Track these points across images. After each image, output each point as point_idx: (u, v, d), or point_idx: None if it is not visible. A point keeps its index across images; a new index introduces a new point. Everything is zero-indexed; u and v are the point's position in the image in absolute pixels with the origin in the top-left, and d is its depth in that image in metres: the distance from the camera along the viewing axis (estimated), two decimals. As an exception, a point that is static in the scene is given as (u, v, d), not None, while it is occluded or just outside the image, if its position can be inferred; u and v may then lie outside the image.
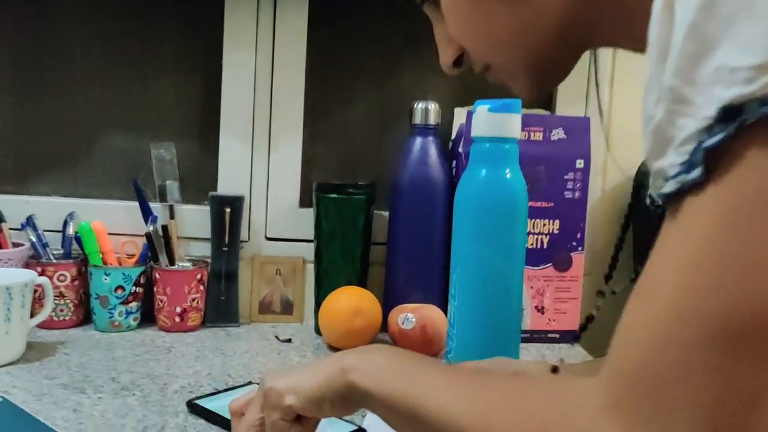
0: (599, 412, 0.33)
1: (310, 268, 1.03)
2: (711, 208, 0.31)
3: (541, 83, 0.55)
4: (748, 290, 0.30)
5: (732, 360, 0.30)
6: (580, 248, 1.00)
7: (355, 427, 0.65)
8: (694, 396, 0.30)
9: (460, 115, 1.04)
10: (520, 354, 0.85)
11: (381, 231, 1.04)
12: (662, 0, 0.33)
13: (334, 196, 0.96)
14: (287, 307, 1.05)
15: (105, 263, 0.97)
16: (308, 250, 1.03)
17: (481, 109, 0.78)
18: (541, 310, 1.00)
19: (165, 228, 1.00)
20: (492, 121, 0.77)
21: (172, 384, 0.77)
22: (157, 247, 0.98)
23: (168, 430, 0.65)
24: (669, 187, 0.33)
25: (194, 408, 0.69)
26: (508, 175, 0.78)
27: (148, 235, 0.97)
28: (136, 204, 1.00)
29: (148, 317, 1.00)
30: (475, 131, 0.79)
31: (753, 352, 0.30)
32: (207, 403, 0.69)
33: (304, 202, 1.05)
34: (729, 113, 0.30)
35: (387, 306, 0.96)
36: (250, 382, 0.78)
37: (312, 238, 1.00)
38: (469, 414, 0.40)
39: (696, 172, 0.31)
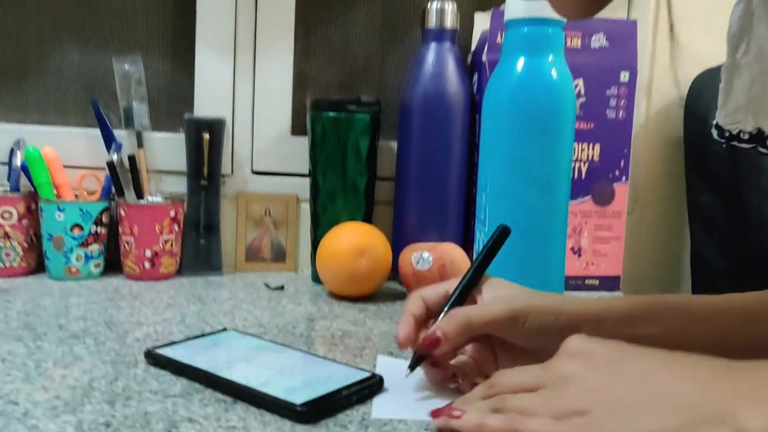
0: None
1: (306, 207, 0.87)
2: None
3: None
4: None
5: None
6: (624, 178, 0.85)
7: (368, 374, 0.50)
8: None
9: (482, 21, 0.88)
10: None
11: (388, 164, 0.89)
12: None
13: (333, 114, 0.80)
14: (279, 254, 0.90)
15: (59, 197, 0.81)
16: (303, 187, 0.87)
17: (516, -11, 0.62)
18: (577, 252, 0.85)
19: (132, 159, 0.84)
20: (529, 2, 0.62)
21: (134, 332, 0.62)
22: (122, 179, 0.82)
23: (122, 383, 0.50)
24: None
25: (155, 358, 0.53)
26: (552, 68, 0.63)
27: (110, 165, 0.81)
28: (97, 131, 0.84)
29: (113, 266, 0.85)
30: (510, 13, 0.63)
31: None
32: (172, 352, 0.54)
33: (297, 129, 0.90)
34: None
35: (396, 249, 0.81)
36: (224, 328, 0.62)
37: (307, 171, 0.84)
38: None
39: None
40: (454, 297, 0.51)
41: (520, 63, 0.63)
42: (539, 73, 0.63)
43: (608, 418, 0.34)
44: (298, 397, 0.45)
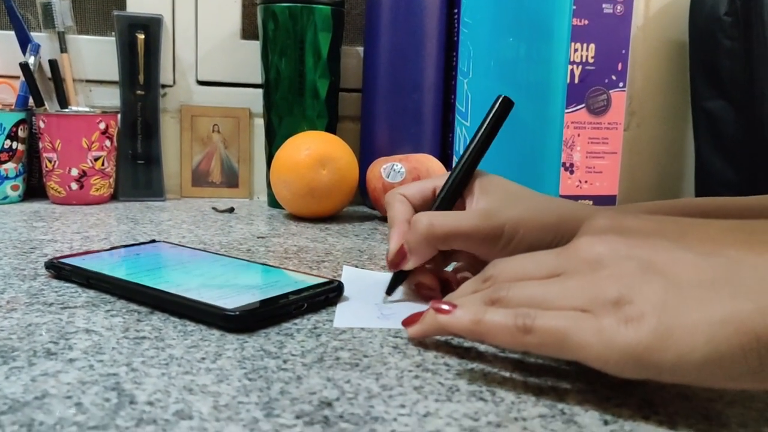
0: None
1: (260, 123, 0.76)
2: None
3: None
4: None
5: None
6: (621, 84, 0.75)
7: (325, 279, 0.40)
8: None
9: None
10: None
11: (355, 74, 0.78)
12: None
13: (287, 6, 0.69)
14: (231, 178, 0.79)
15: (-35, 108, 0.69)
16: (256, 99, 0.76)
17: None
18: (569, 168, 0.75)
19: (53, 64, 0.72)
20: None
21: (43, 249, 0.50)
22: (42, 88, 0.70)
23: (7, 295, 0.39)
24: None
25: (58, 269, 0.42)
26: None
27: (25, 68, 0.69)
28: (10, 33, 0.72)
29: (37, 192, 0.73)
30: None
31: None
32: (80, 262, 0.43)
33: (248, 32, 0.78)
34: None
35: (365, 167, 0.71)
36: (153, 240, 0.52)
37: (260, 80, 0.73)
38: None
39: None
40: (440, 196, 0.40)
41: None
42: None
43: (660, 307, 0.24)
44: (232, 303, 0.35)
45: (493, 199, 0.39)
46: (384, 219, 0.68)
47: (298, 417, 0.25)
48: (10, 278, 0.42)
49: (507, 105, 0.41)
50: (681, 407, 0.27)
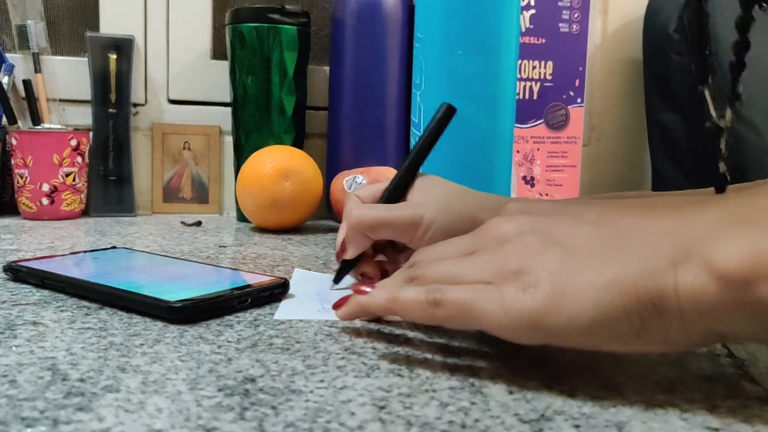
0: None
1: (230, 141, 0.78)
2: None
3: None
4: None
5: None
6: (579, 100, 0.77)
7: (270, 277, 0.41)
8: None
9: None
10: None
11: (321, 92, 0.80)
12: None
13: (254, 26, 0.71)
14: (201, 194, 0.81)
15: (-61, 126, 0.71)
16: (226, 117, 0.78)
17: None
18: (530, 182, 0.78)
19: (27, 84, 0.74)
20: None
21: (6, 257, 0.52)
22: (15, 107, 0.72)
23: (-35, 295, 0.40)
24: None
25: (15, 272, 0.44)
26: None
27: (-1, 88, 0.71)
28: (-13, 53, 0.74)
29: (9, 208, 0.74)
30: None
31: None
32: (37, 264, 0.44)
33: (218, 53, 0.80)
34: None
35: (331, 179, 0.73)
36: (113, 246, 0.53)
37: (230, 97, 0.75)
38: None
39: None
40: (384, 196, 0.43)
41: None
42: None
43: (555, 274, 0.26)
44: (176, 297, 0.36)
45: (425, 195, 0.41)
46: (348, 231, 0.69)
47: (220, 390, 0.27)
48: (-32, 280, 0.44)
49: (450, 112, 0.44)
50: (584, 378, 0.29)
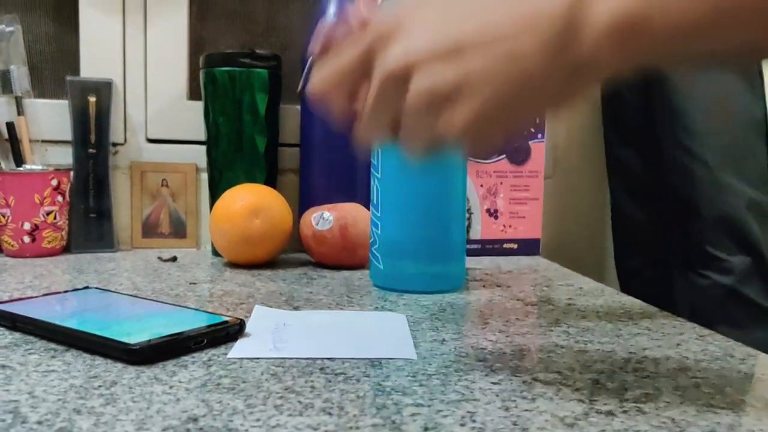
0: None
1: (205, 177, 0.82)
2: None
3: None
4: None
5: None
6: (540, 135, 0.81)
7: (227, 318, 0.44)
8: None
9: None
10: (467, 268, 0.65)
11: (292, 130, 0.84)
12: None
13: (226, 69, 0.75)
14: (179, 229, 0.84)
15: (-75, 168, 0.74)
16: (202, 155, 0.81)
17: None
18: (494, 214, 0.81)
19: (11, 126, 0.77)
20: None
21: (-15, 297, 0.55)
22: (-1, 148, 0.76)
23: (-58, 338, 0.43)
24: None
25: (-7, 312, 0.47)
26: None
27: (-18, 131, 0.74)
28: (-28, 97, 0.77)
29: (-8, 244, 0.77)
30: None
31: None
32: (10, 307, 0.47)
33: (194, 94, 0.84)
34: None
35: (302, 213, 0.76)
36: (86, 287, 0.56)
37: (204, 135, 0.79)
38: None
39: None
40: None
41: None
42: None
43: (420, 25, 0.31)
44: (135, 339, 0.39)
45: None
46: (314, 264, 0.73)
47: (164, 430, 0.30)
48: (-54, 323, 0.47)
49: None
50: (498, 417, 0.32)
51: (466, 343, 0.44)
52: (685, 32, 0.27)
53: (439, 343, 0.44)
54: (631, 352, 0.43)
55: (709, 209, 0.74)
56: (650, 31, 0.27)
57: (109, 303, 0.50)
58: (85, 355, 0.40)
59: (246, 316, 0.50)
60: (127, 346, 0.38)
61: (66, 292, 0.54)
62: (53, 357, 0.40)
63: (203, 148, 0.81)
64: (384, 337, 0.45)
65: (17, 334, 0.44)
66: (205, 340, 0.41)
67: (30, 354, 0.40)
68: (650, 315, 0.53)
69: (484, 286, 0.63)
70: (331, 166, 0.79)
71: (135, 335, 0.40)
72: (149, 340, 0.39)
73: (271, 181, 0.79)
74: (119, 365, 0.38)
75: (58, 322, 0.43)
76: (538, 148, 0.81)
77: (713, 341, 0.46)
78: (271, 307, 0.53)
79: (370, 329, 0.48)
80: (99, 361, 0.39)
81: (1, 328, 0.46)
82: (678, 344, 0.45)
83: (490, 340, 0.45)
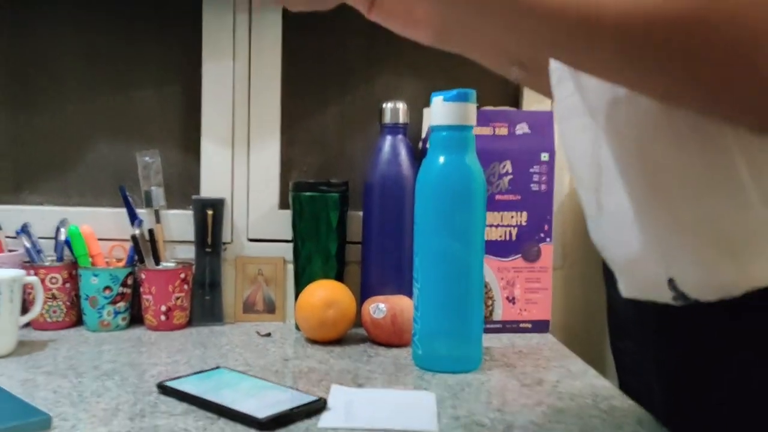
0: None
1: (291, 268, 1.07)
2: None
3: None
4: None
5: None
6: (548, 239, 1.03)
7: (316, 398, 0.69)
8: None
9: (428, 115, 1.08)
10: (488, 343, 0.88)
11: (356, 231, 1.08)
12: None
13: (309, 194, 1.01)
14: (270, 307, 1.09)
15: (94, 265, 1.02)
16: (288, 250, 1.07)
17: (437, 99, 0.83)
18: (512, 300, 1.03)
19: (151, 232, 1.05)
20: (447, 111, 0.82)
21: (150, 370, 0.81)
22: (143, 249, 1.03)
23: (139, 406, 0.69)
24: None
25: (164, 389, 0.73)
26: (466, 161, 0.82)
27: (134, 238, 1.02)
28: (124, 210, 1.05)
29: (137, 319, 1.05)
30: (433, 120, 0.83)
31: None
32: (177, 384, 0.73)
33: (284, 204, 1.10)
34: None
35: (363, 300, 1.00)
36: (218, 366, 0.82)
37: (290, 238, 1.04)
38: None
39: None
40: None
41: (441, 158, 0.82)
42: (456, 164, 0.82)
43: None
44: (261, 413, 0.64)
45: None
46: (371, 341, 0.96)
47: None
48: (137, 394, 0.73)
49: None
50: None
51: (472, 420, 0.67)
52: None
53: (455, 420, 0.67)
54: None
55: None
56: None
57: (237, 381, 0.75)
58: (230, 422, 0.65)
59: (326, 392, 0.74)
60: (257, 419, 0.63)
61: (206, 371, 0.79)
62: (212, 423, 0.65)
63: (289, 244, 1.07)
64: (417, 412, 0.69)
65: (184, 405, 0.70)
66: (304, 414, 0.66)
67: (197, 421, 0.65)
68: (610, 397, 0.74)
69: (497, 366, 0.86)
70: (384, 262, 1.03)
71: (261, 410, 0.65)
72: (271, 415, 0.64)
73: (340, 274, 1.04)
74: (253, 430, 0.63)
75: (209, 398, 0.68)
76: (547, 249, 1.03)
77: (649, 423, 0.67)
78: (342, 384, 0.77)
79: (408, 405, 0.71)
80: (240, 428, 0.64)
81: (174, 399, 0.71)
82: (620, 426, 0.66)
83: (490, 418, 0.68)
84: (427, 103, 1.09)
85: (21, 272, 0.89)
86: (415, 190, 0.84)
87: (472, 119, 0.82)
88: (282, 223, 1.09)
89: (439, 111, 0.82)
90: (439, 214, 0.82)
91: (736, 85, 0.36)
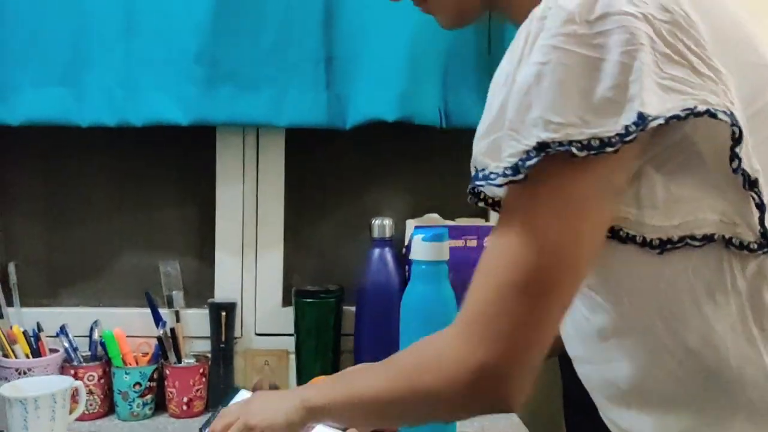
0: (452, 338, 0.64)
1: (293, 358, 1.24)
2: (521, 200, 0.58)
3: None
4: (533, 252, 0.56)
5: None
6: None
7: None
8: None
9: (411, 226, 1.26)
10: (462, 428, 1.06)
11: (349, 323, 1.26)
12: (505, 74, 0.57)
13: (310, 300, 1.19)
14: (275, 391, 1.26)
15: (125, 363, 1.18)
16: (291, 343, 1.24)
17: (417, 238, 1.01)
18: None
19: (172, 330, 1.22)
20: (426, 249, 1.00)
21: (182, 465, 0.98)
22: (167, 347, 1.20)
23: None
24: (498, 180, 0.56)
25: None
26: (441, 290, 1.00)
27: (159, 339, 1.19)
28: (149, 311, 1.22)
29: (160, 406, 1.21)
30: (413, 255, 1.02)
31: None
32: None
33: (287, 302, 1.28)
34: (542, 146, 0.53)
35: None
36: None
37: (293, 331, 1.22)
38: (385, 383, 0.68)
39: (519, 176, 0.55)
40: None
41: (420, 287, 1.00)
42: (432, 293, 1.00)
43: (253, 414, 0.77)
44: None
45: None
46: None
47: None
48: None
49: None
50: None
51: None
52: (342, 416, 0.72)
53: None
54: None
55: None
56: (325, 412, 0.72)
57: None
58: None
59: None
60: None
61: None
62: None
63: (291, 338, 1.24)
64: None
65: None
66: None
67: None
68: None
69: (469, 452, 1.04)
70: (374, 353, 1.18)
71: None
72: None
73: (335, 364, 1.21)
74: None
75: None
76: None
77: None
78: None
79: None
80: None
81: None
82: None
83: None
84: (411, 215, 1.29)
85: (70, 381, 1.05)
86: (400, 298, 1.02)
87: (446, 254, 1.00)
88: (285, 319, 1.26)
89: (419, 248, 1.00)
90: (419, 332, 1.00)
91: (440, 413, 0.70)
